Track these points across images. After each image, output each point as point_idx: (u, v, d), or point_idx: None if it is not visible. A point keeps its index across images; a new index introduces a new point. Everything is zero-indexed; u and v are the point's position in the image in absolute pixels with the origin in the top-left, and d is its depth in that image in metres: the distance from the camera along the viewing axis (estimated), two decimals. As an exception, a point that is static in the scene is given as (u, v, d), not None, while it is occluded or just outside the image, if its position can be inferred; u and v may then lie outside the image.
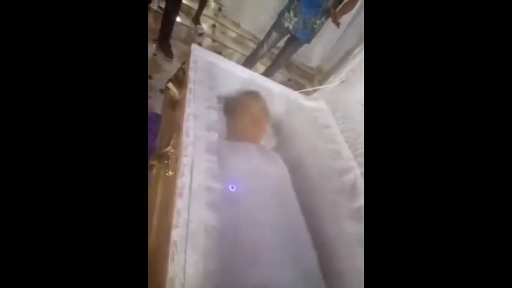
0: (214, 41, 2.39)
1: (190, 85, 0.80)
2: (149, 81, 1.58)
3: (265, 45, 1.68)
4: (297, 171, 0.97)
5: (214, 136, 0.70)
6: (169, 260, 0.46)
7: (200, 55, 0.94)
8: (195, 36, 2.24)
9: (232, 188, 0.73)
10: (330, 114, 1.09)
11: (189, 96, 0.76)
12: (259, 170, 0.85)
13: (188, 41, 2.11)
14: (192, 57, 0.90)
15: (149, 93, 1.48)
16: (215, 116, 0.77)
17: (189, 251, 0.49)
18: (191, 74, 0.84)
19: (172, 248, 0.47)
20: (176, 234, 0.49)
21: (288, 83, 2.58)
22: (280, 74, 2.38)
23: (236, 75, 1.06)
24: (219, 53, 2.26)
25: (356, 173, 0.85)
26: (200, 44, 2.20)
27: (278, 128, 1.19)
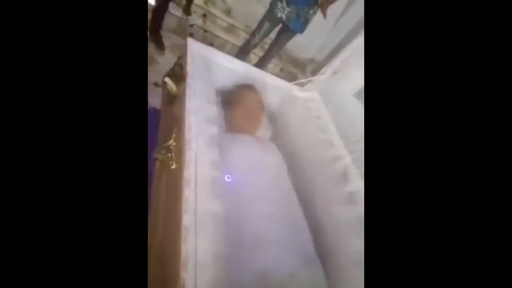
0: (205, 31, 2.37)
1: (189, 80, 0.82)
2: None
3: (257, 35, 1.68)
4: (292, 160, 1.02)
5: (215, 129, 0.74)
6: (182, 243, 0.50)
7: (196, 49, 0.95)
8: (186, 27, 2.21)
9: (233, 178, 0.78)
10: (322, 104, 1.13)
11: (189, 91, 0.79)
12: (258, 160, 0.89)
13: (179, 32, 2.09)
14: (188, 52, 0.91)
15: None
16: (215, 109, 0.80)
17: (199, 237, 0.53)
18: (189, 69, 0.85)
19: (183, 233, 0.52)
20: (186, 219, 0.54)
21: (281, 73, 2.60)
22: (272, 64, 2.39)
23: (231, 69, 1.08)
24: (211, 43, 2.25)
25: (347, 161, 0.90)
26: (192, 35, 2.18)
27: (273, 119, 1.23)
